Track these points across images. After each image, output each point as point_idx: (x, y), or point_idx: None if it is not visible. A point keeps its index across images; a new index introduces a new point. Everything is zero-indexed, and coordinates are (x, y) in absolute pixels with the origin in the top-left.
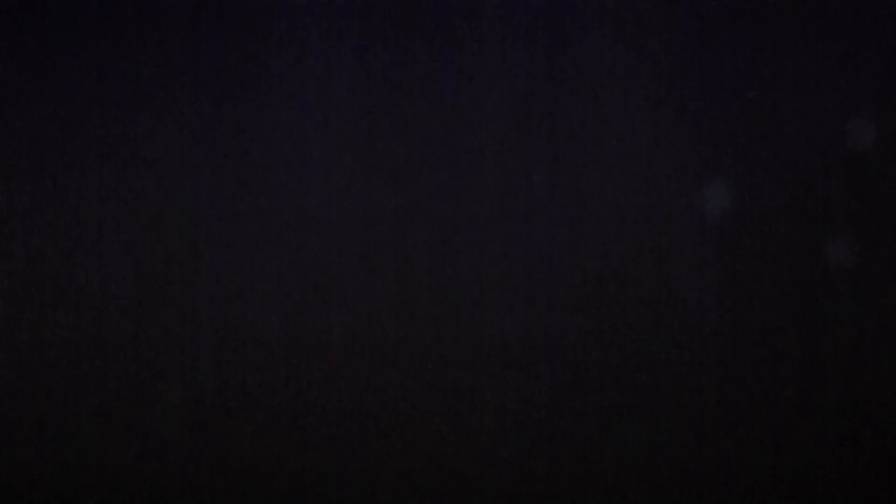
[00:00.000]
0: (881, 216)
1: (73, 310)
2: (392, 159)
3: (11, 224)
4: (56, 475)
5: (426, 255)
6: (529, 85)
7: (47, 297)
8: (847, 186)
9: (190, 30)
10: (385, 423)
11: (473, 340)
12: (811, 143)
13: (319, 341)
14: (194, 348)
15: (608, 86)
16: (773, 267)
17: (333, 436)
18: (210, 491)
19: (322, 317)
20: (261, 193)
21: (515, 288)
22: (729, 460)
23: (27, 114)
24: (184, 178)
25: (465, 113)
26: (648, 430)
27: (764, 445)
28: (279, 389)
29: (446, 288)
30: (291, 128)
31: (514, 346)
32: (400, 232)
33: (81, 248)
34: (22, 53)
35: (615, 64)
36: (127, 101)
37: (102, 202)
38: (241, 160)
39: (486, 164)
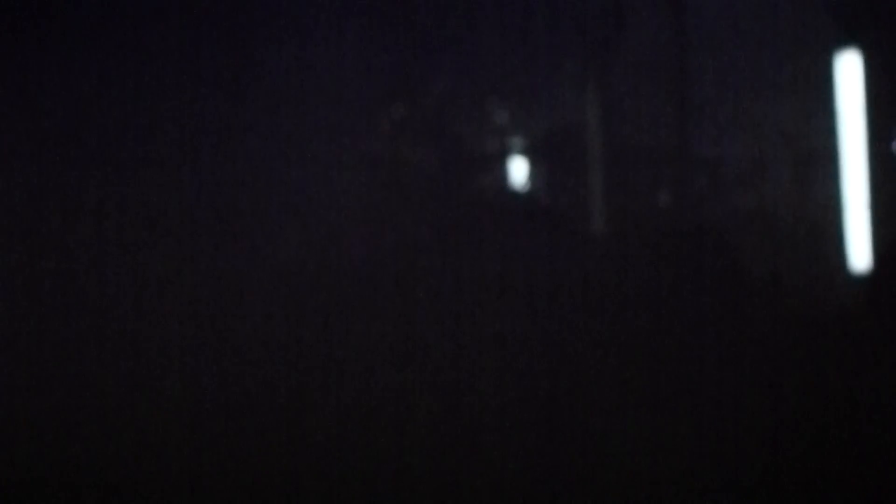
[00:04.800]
0: (881, 216)
1: (73, 310)
2: (392, 158)
3: (11, 224)
4: (56, 475)
5: (426, 255)
6: (529, 84)
7: (47, 297)
8: (847, 186)
9: (190, 30)
10: (385, 423)
11: (473, 340)
12: (811, 142)
13: (320, 340)
14: (194, 348)
15: (608, 85)
16: (774, 266)
17: (333, 436)
18: (210, 491)
19: (322, 316)
20: (261, 192)
21: (515, 288)
22: (729, 460)
23: (27, 114)
24: (184, 178)
25: (466, 112)
26: (648, 429)
27: (764, 445)
28: (279, 389)
29: (446, 287)
30: (291, 127)
31: (514, 346)
32: (400, 231)
33: (81, 248)
34: (22, 53)
35: (615, 63)
36: (127, 101)
37: (102, 202)
38: (241, 159)
39: (487, 164)
